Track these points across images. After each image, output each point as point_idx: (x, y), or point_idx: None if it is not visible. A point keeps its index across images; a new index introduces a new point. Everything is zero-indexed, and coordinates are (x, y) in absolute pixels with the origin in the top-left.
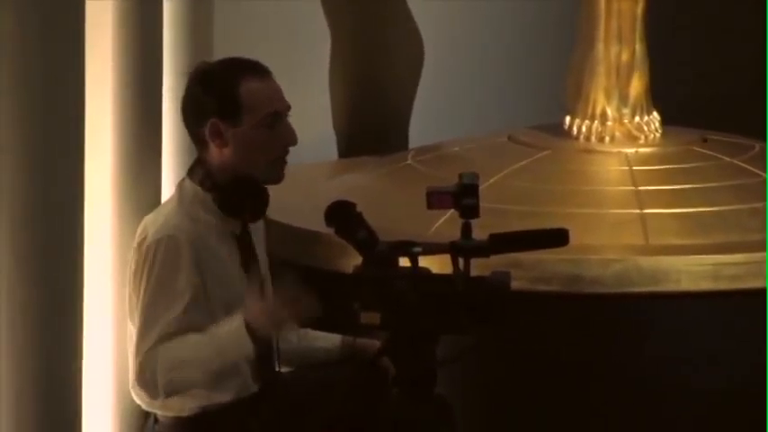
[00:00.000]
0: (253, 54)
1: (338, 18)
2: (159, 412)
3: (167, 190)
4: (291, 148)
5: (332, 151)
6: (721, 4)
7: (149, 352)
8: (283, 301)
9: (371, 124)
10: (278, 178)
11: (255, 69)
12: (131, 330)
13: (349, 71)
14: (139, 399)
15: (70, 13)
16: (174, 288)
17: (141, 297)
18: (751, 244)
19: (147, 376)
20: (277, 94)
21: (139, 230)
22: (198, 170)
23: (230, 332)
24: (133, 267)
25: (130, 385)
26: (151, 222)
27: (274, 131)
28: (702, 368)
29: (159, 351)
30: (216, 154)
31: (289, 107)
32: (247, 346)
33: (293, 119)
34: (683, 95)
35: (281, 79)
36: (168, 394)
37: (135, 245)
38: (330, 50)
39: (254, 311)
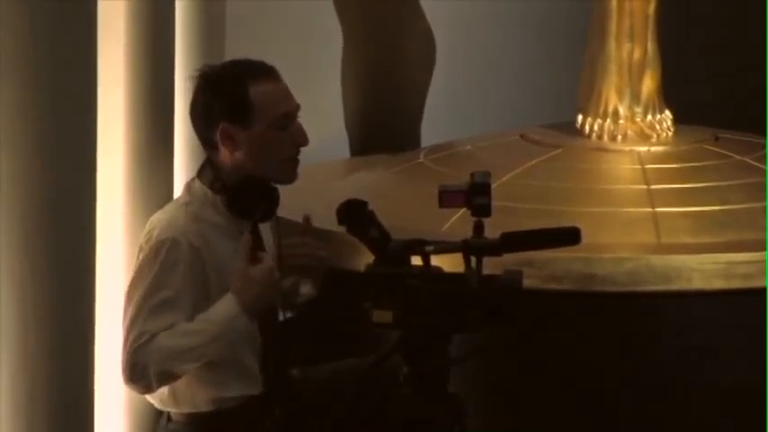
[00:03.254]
0: (265, 53)
1: (350, 17)
2: (172, 410)
3: (179, 187)
4: (303, 147)
5: (344, 150)
6: (734, 3)
7: (139, 349)
8: (272, 268)
9: (383, 123)
10: (290, 178)
11: (263, 71)
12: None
13: (361, 70)
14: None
15: (83, 11)
16: (171, 290)
17: (138, 293)
18: (763, 242)
19: (138, 371)
20: (286, 94)
21: (146, 230)
22: (207, 172)
23: (225, 317)
24: (136, 266)
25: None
26: (157, 222)
27: (285, 132)
28: (714, 366)
29: (150, 347)
30: (227, 157)
31: (298, 107)
32: (244, 325)
33: (305, 118)
34: (697, 95)
35: (293, 78)
36: (161, 384)
37: (141, 243)
38: (342, 49)
39: (239, 282)
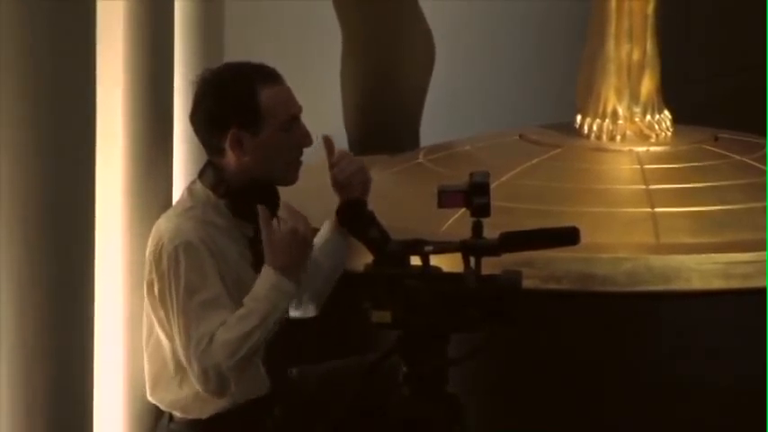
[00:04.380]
0: (264, 54)
1: (350, 18)
2: (178, 414)
3: (178, 191)
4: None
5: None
6: (734, 3)
7: (204, 353)
8: (293, 228)
9: (382, 123)
10: (294, 179)
11: (268, 75)
12: (146, 338)
13: (360, 70)
14: (190, 397)
15: (82, 12)
16: (207, 289)
17: (174, 306)
18: (762, 242)
19: (210, 375)
20: (291, 97)
21: (152, 237)
22: (209, 174)
23: (267, 288)
24: (156, 276)
25: (149, 394)
26: (164, 229)
27: (291, 134)
28: (713, 366)
29: (212, 348)
30: (233, 161)
31: (301, 109)
32: (288, 287)
33: (304, 118)
34: (697, 95)
35: (292, 79)
36: (238, 376)
37: (150, 251)
38: (341, 50)
39: (273, 253)
